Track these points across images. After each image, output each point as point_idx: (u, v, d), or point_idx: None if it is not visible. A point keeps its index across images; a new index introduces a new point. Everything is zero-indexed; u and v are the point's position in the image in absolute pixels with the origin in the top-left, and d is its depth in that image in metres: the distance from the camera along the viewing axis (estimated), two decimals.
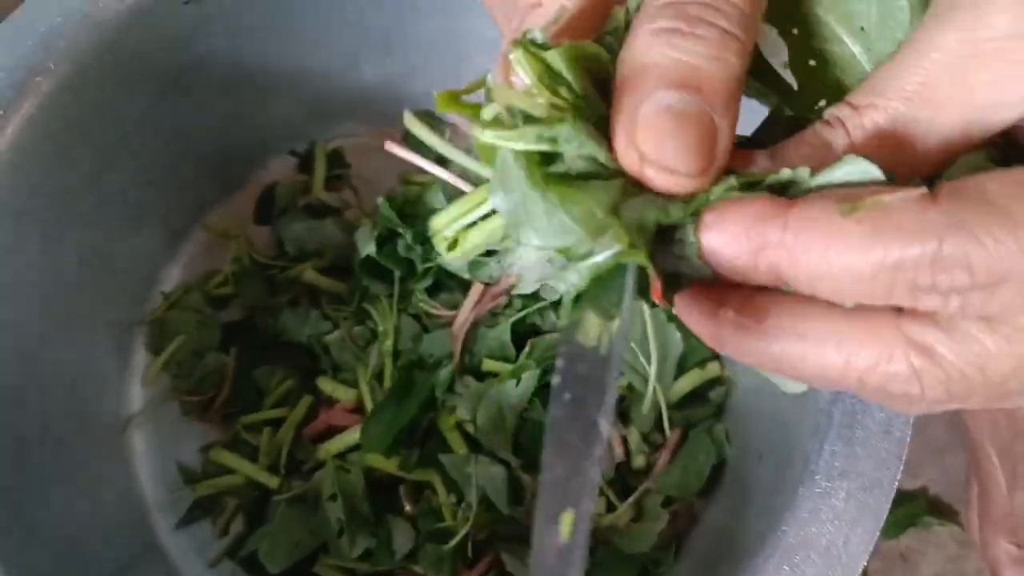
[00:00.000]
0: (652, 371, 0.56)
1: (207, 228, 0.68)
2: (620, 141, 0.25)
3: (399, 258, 0.62)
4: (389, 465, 0.58)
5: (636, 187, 0.25)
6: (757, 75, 0.30)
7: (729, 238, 0.23)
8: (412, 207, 0.62)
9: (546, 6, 0.32)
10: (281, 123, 0.69)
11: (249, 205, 0.69)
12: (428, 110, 0.70)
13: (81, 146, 0.56)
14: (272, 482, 0.59)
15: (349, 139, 0.70)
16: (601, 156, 0.25)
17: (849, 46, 0.28)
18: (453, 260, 0.29)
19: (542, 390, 0.58)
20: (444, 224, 0.28)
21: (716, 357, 0.59)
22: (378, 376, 0.61)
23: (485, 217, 0.28)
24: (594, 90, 0.26)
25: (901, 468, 0.43)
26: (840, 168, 0.24)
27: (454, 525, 0.56)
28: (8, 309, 0.53)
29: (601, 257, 0.24)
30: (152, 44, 0.56)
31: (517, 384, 0.57)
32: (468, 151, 0.29)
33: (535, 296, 0.60)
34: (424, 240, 0.61)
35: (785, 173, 0.25)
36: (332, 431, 0.60)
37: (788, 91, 0.30)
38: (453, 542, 0.55)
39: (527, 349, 0.59)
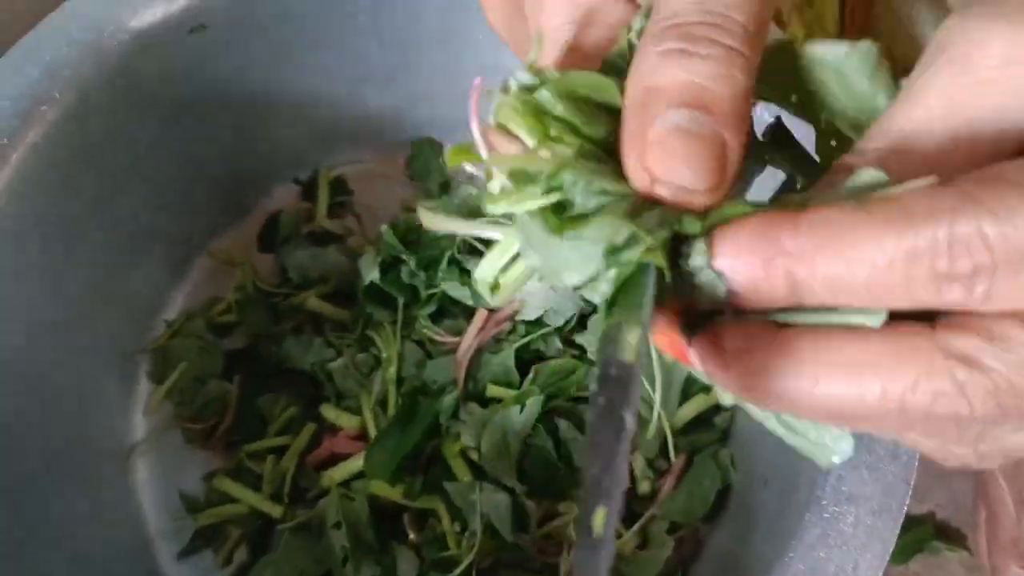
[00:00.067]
0: (657, 397, 0.56)
1: (211, 255, 0.68)
2: (630, 162, 0.25)
3: (403, 285, 0.62)
4: (393, 493, 0.57)
5: (650, 203, 0.25)
6: (776, 143, 0.30)
7: (742, 246, 0.23)
8: (415, 234, 0.62)
9: (552, 37, 0.32)
10: (285, 151, 0.69)
11: (253, 232, 0.69)
12: (430, 138, 0.70)
13: (86, 174, 0.56)
14: (275, 511, 0.59)
15: (352, 166, 0.71)
16: (611, 187, 0.25)
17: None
18: (499, 304, 0.29)
19: (546, 416, 0.58)
20: (488, 274, 0.29)
21: None
22: (382, 403, 0.61)
23: (515, 258, 0.28)
24: (597, 111, 0.26)
25: (909, 493, 0.42)
26: (850, 181, 0.24)
27: (458, 553, 0.56)
28: (11, 336, 0.53)
29: (626, 255, 0.24)
30: (157, 73, 0.57)
31: (521, 410, 0.57)
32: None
33: (539, 322, 0.60)
34: (427, 266, 0.61)
35: (795, 196, 0.25)
36: (336, 459, 0.60)
37: (805, 159, 0.30)
38: (458, 570, 0.55)
39: (531, 375, 0.59)
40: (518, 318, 0.60)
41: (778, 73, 0.28)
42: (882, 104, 0.27)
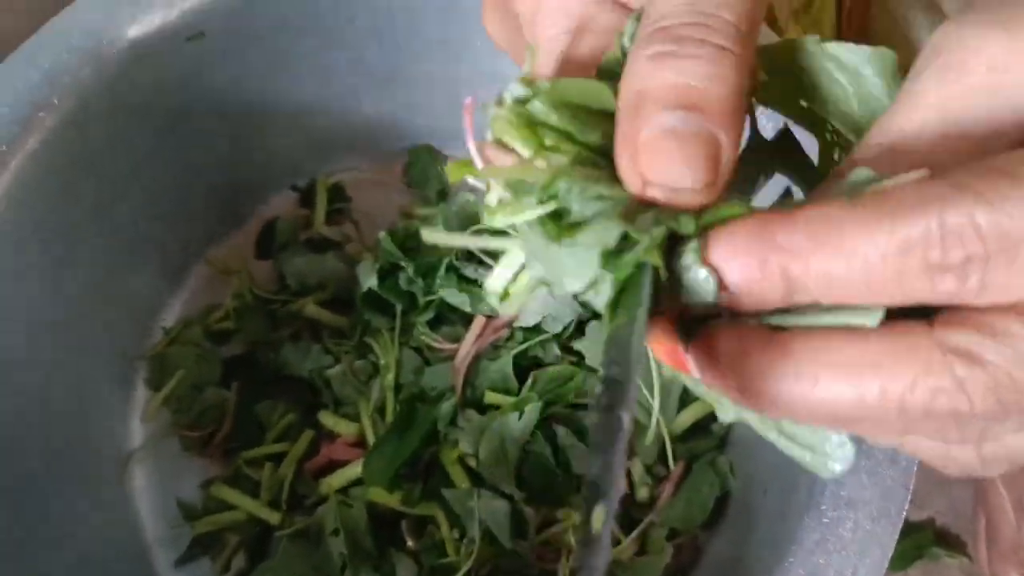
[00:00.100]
0: (655, 404, 0.56)
1: (208, 263, 0.68)
2: (623, 165, 0.25)
3: (401, 291, 0.62)
4: (391, 499, 0.57)
5: (645, 205, 0.25)
6: (782, 151, 0.30)
7: (739, 246, 0.23)
8: (413, 241, 0.62)
9: (547, 47, 0.32)
10: (282, 159, 0.69)
11: (250, 240, 0.69)
12: (428, 145, 0.70)
13: (85, 180, 0.56)
14: (273, 518, 0.59)
15: (350, 173, 0.71)
16: (607, 191, 0.25)
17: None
18: (509, 312, 0.29)
19: (544, 423, 0.58)
20: (498, 285, 0.29)
21: None
22: (380, 410, 0.61)
23: (523, 268, 0.28)
24: (593, 117, 0.27)
25: (909, 498, 0.42)
26: (845, 180, 0.24)
27: (457, 560, 0.55)
28: (10, 342, 0.53)
29: (623, 258, 0.24)
30: (155, 80, 0.57)
31: (519, 417, 0.57)
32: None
33: (537, 329, 0.60)
34: (425, 273, 0.61)
35: (793, 201, 0.25)
36: (334, 465, 0.60)
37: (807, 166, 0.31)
38: None
39: (529, 382, 0.59)
40: (516, 325, 0.60)
41: (786, 73, 0.28)
42: None
